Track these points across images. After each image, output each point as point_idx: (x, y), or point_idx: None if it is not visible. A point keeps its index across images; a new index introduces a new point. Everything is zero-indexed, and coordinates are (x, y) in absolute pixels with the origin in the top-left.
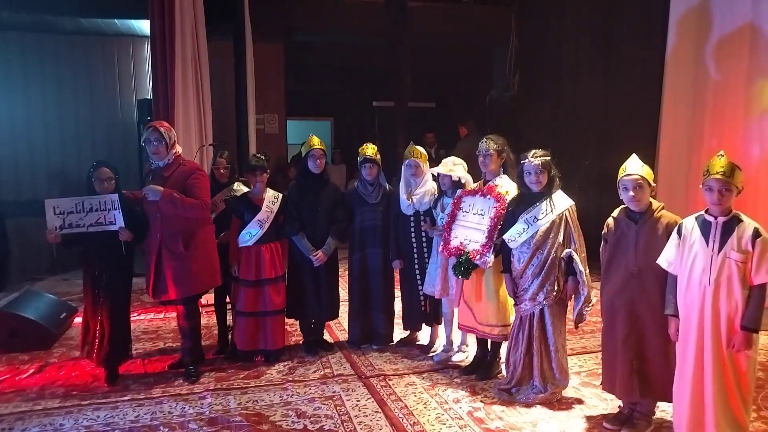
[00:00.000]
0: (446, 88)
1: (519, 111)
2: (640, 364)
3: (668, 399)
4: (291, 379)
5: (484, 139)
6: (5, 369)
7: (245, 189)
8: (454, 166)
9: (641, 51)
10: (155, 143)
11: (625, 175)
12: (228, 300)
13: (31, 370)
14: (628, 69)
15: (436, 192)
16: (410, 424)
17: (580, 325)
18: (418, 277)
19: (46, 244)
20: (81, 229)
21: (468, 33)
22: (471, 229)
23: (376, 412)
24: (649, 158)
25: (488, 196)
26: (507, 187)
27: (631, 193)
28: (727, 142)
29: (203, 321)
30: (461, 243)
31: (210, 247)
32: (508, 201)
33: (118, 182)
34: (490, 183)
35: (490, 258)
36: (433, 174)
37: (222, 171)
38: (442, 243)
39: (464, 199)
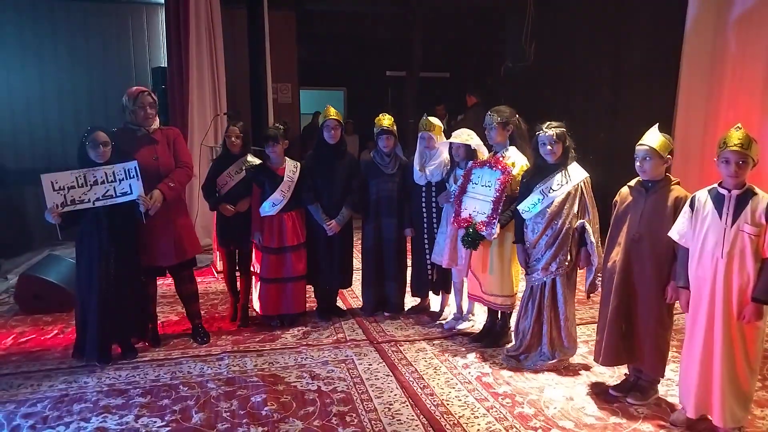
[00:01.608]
0: (460, 58)
1: (534, 81)
2: (628, 328)
3: (651, 367)
4: (305, 343)
5: (489, 112)
6: (31, 329)
7: (257, 161)
8: (469, 137)
9: (659, 21)
10: (150, 108)
11: (638, 145)
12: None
13: (55, 331)
14: (645, 39)
15: (449, 164)
16: (420, 388)
17: (591, 295)
18: (426, 246)
19: (45, 223)
20: (86, 204)
21: (482, 2)
22: (479, 201)
23: (388, 375)
24: (665, 131)
25: (495, 168)
26: (514, 158)
27: (638, 163)
28: (744, 115)
29: (220, 287)
30: (470, 215)
31: None
32: (516, 172)
33: (114, 148)
34: (497, 154)
35: (496, 229)
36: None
37: (234, 140)
38: (453, 214)
39: (474, 170)
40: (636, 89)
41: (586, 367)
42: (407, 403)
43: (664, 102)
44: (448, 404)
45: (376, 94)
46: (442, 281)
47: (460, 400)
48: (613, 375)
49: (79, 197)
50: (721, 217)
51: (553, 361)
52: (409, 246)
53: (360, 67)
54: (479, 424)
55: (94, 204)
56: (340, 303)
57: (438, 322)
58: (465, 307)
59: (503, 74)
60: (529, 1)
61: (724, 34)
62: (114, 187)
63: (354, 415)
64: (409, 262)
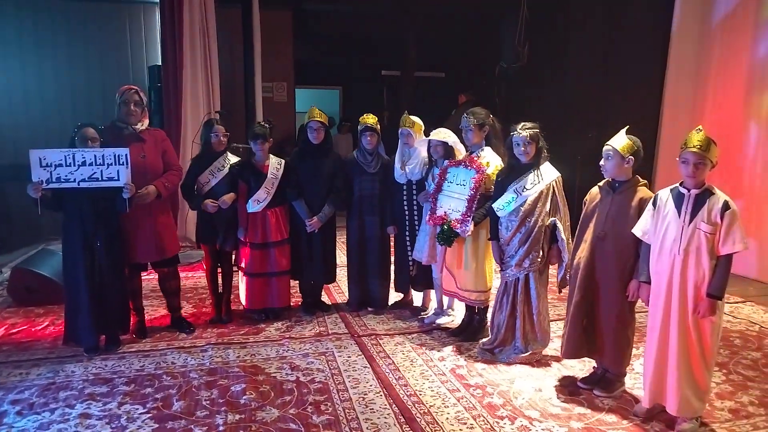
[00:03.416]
0: (455, 58)
1: (528, 82)
2: (590, 323)
3: (611, 362)
4: (288, 336)
5: (465, 114)
6: (22, 321)
7: (236, 159)
8: (446, 135)
9: (648, 24)
10: (134, 106)
11: (605, 145)
12: (219, 269)
13: (46, 323)
14: (634, 42)
15: (428, 162)
16: (395, 379)
17: (563, 290)
18: (408, 242)
19: (29, 201)
20: (71, 184)
21: (477, 2)
22: (454, 199)
23: (365, 367)
24: (651, 132)
25: (469, 167)
26: (489, 158)
27: (601, 162)
28: (728, 115)
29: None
30: (445, 213)
31: None
32: (490, 171)
33: (102, 145)
34: (473, 154)
35: (470, 227)
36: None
37: (222, 138)
38: (428, 212)
39: (449, 170)
40: (625, 91)
41: (558, 360)
42: (381, 393)
43: (653, 103)
44: (420, 394)
45: (372, 94)
46: (423, 277)
47: (432, 390)
48: (584, 368)
49: (65, 176)
50: (680, 215)
51: (526, 354)
52: (392, 243)
53: (356, 66)
54: (449, 413)
55: (78, 184)
56: (326, 298)
57: (419, 316)
58: (445, 303)
59: (497, 74)
60: (522, 3)
61: (709, 37)
62: (101, 171)
63: (329, 404)
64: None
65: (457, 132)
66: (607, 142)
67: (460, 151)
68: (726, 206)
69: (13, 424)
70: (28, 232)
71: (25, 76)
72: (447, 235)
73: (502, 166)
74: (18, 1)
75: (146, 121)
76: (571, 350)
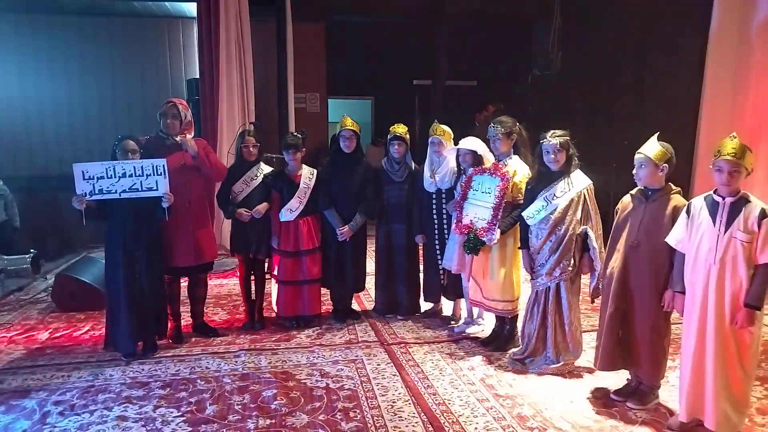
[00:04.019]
0: (487, 66)
1: (561, 89)
2: (625, 334)
3: (646, 373)
4: (318, 343)
5: (492, 124)
6: (65, 325)
7: (269, 169)
8: (476, 144)
9: (683, 29)
10: (172, 119)
11: (636, 153)
12: (252, 276)
13: (87, 327)
14: (670, 48)
15: (456, 171)
16: (424, 387)
17: (596, 300)
18: (438, 251)
19: (74, 212)
20: (113, 195)
21: (508, 10)
22: (480, 207)
23: (394, 375)
24: (689, 139)
25: (494, 175)
26: (515, 166)
27: (634, 170)
28: None
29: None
30: (471, 221)
31: None
32: (518, 180)
33: (143, 156)
34: (498, 162)
35: (496, 235)
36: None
37: (251, 149)
38: (455, 221)
39: (474, 177)
40: (661, 97)
41: (591, 372)
42: (410, 401)
43: (691, 109)
44: (449, 403)
45: (404, 103)
46: (454, 286)
47: (461, 400)
48: (617, 380)
49: (107, 188)
50: (714, 224)
51: (558, 365)
52: (422, 251)
53: (387, 76)
54: (477, 423)
55: (120, 195)
56: (355, 305)
57: (449, 326)
58: (475, 313)
59: (530, 82)
60: (555, 10)
61: (748, 42)
62: (141, 182)
63: (358, 411)
64: (422, 267)
65: (486, 141)
66: (639, 150)
67: (490, 160)
68: (763, 214)
69: (55, 424)
70: (73, 240)
71: (69, 91)
72: (473, 244)
73: (529, 174)
74: (63, 19)
75: (188, 134)
76: (607, 362)
